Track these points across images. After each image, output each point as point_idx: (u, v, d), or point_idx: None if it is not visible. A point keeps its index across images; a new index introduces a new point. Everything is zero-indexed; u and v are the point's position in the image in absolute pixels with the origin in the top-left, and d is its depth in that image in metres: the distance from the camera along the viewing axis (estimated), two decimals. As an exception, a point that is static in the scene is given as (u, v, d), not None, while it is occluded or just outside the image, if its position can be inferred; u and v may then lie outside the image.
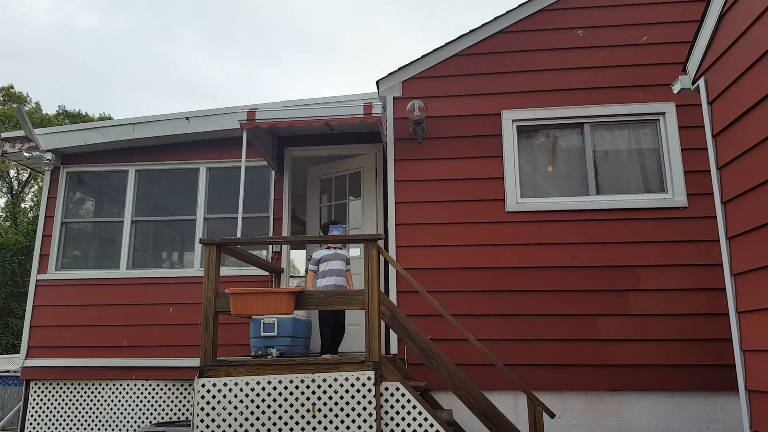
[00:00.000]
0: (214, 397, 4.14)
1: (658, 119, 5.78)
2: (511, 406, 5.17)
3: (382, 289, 5.83)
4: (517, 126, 5.93)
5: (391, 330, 5.23)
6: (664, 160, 5.70)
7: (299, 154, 6.78)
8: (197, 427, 4.10)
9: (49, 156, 6.88)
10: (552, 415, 4.12)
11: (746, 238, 3.58)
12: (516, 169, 5.82)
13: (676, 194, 5.58)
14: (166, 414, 6.29)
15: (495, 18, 6.09)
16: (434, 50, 6.11)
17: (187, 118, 6.70)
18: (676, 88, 4.23)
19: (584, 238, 5.58)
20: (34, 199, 24.78)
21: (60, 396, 6.47)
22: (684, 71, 4.23)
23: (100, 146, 6.99)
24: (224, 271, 6.40)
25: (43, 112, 25.07)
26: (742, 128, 3.58)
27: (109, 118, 24.05)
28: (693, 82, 4.11)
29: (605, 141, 5.90)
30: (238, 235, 5.52)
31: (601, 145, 5.89)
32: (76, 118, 24.71)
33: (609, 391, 5.31)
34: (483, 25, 6.09)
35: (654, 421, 5.24)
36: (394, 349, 5.60)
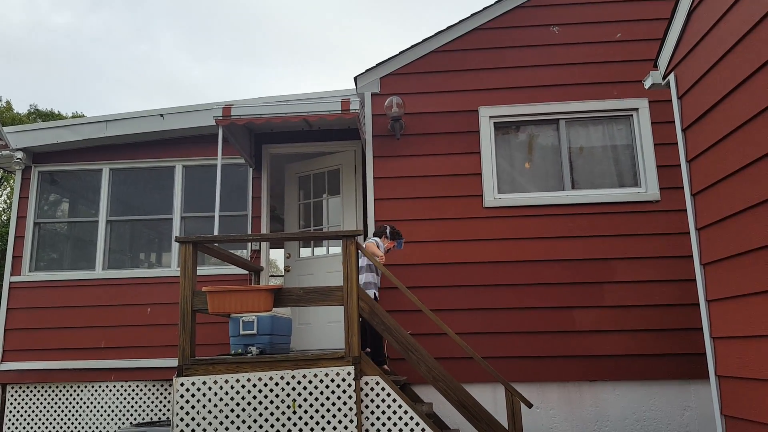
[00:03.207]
0: (193, 395, 4.11)
1: (632, 115, 5.89)
2: (490, 397, 5.24)
3: (362, 285, 5.83)
4: (494, 122, 5.99)
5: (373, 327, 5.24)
6: (637, 154, 5.82)
7: (277, 151, 6.75)
8: (177, 426, 4.07)
9: (19, 155, 6.73)
10: (529, 405, 4.18)
11: (715, 229, 3.68)
12: (493, 165, 5.87)
13: (649, 188, 5.69)
14: (147, 414, 6.22)
15: (472, 15, 6.14)
16: (412, 46, 6.13)
17: (161, 115, 6.62)
18: (647, 84, 4.32)
19: (560, 232, 5.66)
20: (7, 201, 24.15)
21: (38, 399, 6.34)
22: (655, 67, 4.32)
23: (73, 144, 6.86)
24: (203, 271, 6.36)
25: (14, 111, 24.42)
26: (710, 122, 3.67)
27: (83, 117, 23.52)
28: (664, 78, 4.20)
29: (580, 137, 5.99)
30: (216, 234, 5.48)
31: (576, 140, 5.98)
32: (49, 117, 24.12)
33: (586, 381, 5.41)
34: (460, 21, 6.13)
35: (630, 409, 5.36)
36: (374, 345, 5.61)
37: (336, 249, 6.58)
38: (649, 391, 5.38)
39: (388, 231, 5.39)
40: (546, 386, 5.43)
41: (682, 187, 4.17)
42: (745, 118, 3.25)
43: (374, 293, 5.18)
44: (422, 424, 4.11)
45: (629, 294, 5.50)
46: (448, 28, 6.13)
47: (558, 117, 5.96)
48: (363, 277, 5.16)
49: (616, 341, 5.42)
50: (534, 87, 6.00)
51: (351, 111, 5.42)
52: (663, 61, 4.22)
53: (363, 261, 5.21)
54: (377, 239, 5.31)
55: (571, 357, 5.43)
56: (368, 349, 5.15)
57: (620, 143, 5.94)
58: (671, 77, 4.10)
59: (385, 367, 5.12)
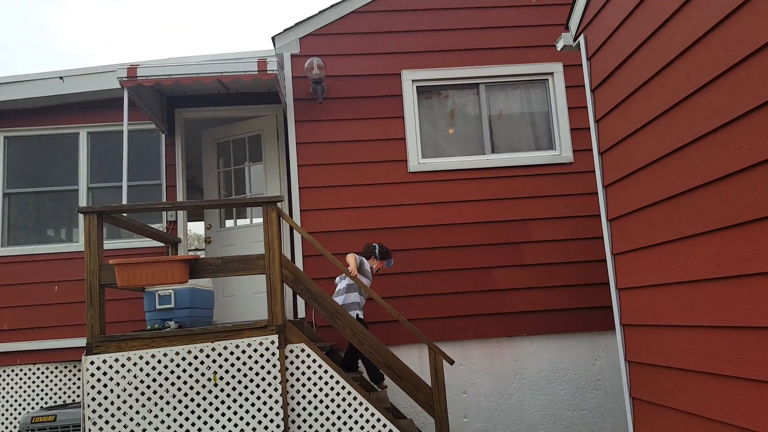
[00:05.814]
0: (105, 374, 3.90)
1: (548, 79, 6.04)
2: (417, 357, 5.35)
3: (288, 254, 5.73)
4: (417, 86, 5.96)
5: (298, 295, 5.17)
6: (552, 118, 6.00)
7: (192, 116, 6.39)
8: (88, 406, 3.85)
9: None
10: (451, 362, 4.30)
11: (620, 185, 3.86)
12: (417, 130, 5.87)
13: (563, 151, 5.91)
14: (59, 397, 5.87)
15: (392, -25, 6.00)
16: (332, 6, 5.93)
17: (61, 78, 6.06)
18: (559, 46, 4.41)
19: (481, 195, 5.79)
20: None
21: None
22: (567, 29, 4.40)
23: (-41, 111, 6.17)
24: (114, 245, 6.02)
25: None
26: (616, 81, 3.81)
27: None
28: (574, 39, 4.29)
29: (500, 101, 6.08)
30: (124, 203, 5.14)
31: (496, 105, 6.07)
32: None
33: (505, 337, 5.64)
34: (380, -19, 5.98)
35: (546, 362, 5.66)
36: (302, 314, 5.56)
37: (260, 219, 6.39)
38: (564, 344, 5.69)
39: (377, 251, 5.11)
40: (468, 344, 5.61)
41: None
42: (647, 76, 3.38)
43: (356, 314, 4.84)
44: (348, 387, 4.14)
45: (545, 252, 5.74)
46: (369, -13, 5.97)
47: (478, 81, 6.01)
48: (348, 297, 4.89)
49: (533, 298, 5.66)
50: (456, 51, 6.00)
51: (269, 72, 5.19)
52: (573, 23, 4.31)
53: (345, 281, 4.95)
54: (364, 259, 5.04)
55: (491, 315, 5.62)
56: (362, 369, 5.03)
57: (537, 107, 6.09)
58: (581, 39, 4.20)
59: (384, 383, 4.94)
